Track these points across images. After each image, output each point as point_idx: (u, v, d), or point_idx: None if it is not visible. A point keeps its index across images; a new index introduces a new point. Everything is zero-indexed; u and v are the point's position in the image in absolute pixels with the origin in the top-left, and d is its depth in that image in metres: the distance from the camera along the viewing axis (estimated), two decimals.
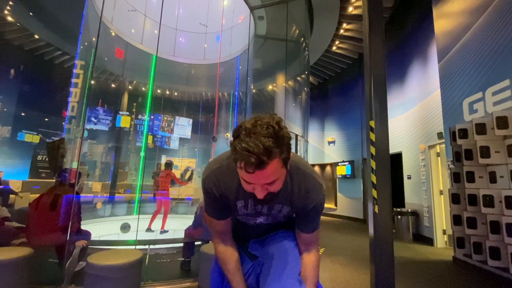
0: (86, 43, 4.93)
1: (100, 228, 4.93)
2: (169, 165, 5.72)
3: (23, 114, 8.44)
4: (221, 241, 0.99)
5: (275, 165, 0.69)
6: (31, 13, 7.14)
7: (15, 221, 2.87)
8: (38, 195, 2.69)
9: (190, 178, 6.94)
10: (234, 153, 0.70)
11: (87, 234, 2.81)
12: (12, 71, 7.92)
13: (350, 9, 6.24)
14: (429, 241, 5.00)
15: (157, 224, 5.12)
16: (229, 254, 0.98)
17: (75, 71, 4.18)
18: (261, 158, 0.65)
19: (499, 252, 3.12)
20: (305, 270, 0.97)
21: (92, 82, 5.42)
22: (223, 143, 9.01)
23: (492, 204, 3.20)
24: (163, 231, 5.08)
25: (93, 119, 7.39)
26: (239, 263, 0.99)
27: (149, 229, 5.06)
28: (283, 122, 0.73)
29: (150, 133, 8.51)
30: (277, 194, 0.83)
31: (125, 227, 3.71)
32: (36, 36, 7.79)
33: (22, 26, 7.36)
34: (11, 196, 5.56)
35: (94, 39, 4.61)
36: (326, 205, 9.31)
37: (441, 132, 4.70)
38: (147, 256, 3.20)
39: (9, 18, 7.15)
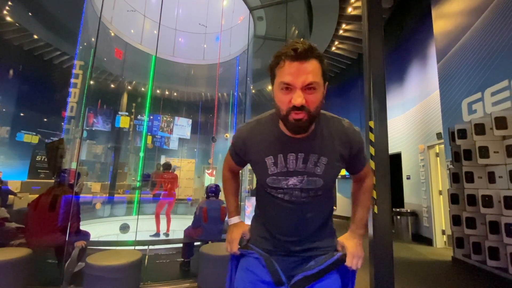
0: (85, 43, 4.92)
1: (99, 228, 4.92)
2: (170, 166, 5.65)
3: (22, 114, 8.42)
4: (229, 172, 1.09)
5: (317, 65, 0.71)
6: (30, 13, 7.13)
7: (14, 222, 2.86)
8: (37, 195, 2.68)
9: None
10: (277, 54, 0.74)
11: (86, 235, 2.80)
12: (11, 71, 7.91)
13: (349, 10, 6.25)
14: (428, 241, 5.00)
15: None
16: (230, 182, 1.10)
17: (74, 71, 4.18)
18: (306, 48, 0.69)
19: (498, 252, 3.13)
20: (358, 194, 1.00)
21: (92, 82, 5.42)
22: (222, 143, 9.01)
23: (491, 204, 3.21)
24: (167, 234, 5.03)
25: (94, 120, 7.39)
26: (237, 191, 1.11)
27: (157, 234, 4.92)
28: None
29: (149, 134, 8.51)
30: (311, 142, 0.82)
31: (124, 228, 3.71)
32: (35, 36, 7.78)
33: (21, 26, 7.35)
34: (10, 196, 5.54)
35: (93, 39, 4.61)
36: None
37: (440, 133, 4.71)
38: (147, 256, 3.20)
39: (9, 18, 7.14)
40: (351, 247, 0.90)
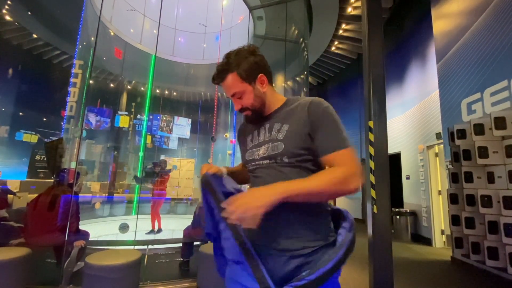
0: (84, 43, 4.91)
1: (98, 228, 4.91)
2: (159, 165, 5.72)
3: (21, 113, 8.41)
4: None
5: (232, 78, 0.88)
6: (29, 13, 7.11)
7: (13, 221, 2.85)
8: (36, 195, 2.68)
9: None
10: None
11: (85, 234, 2.80)
12: (10, 71, 7.89)
13: (349, 10, 6.25)
14: (428, 241, 5.01)
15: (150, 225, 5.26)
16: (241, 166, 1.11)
17: (73, 70, 4.17)
18: (218, 71, 0.91)
19: (497, 252, 3.13)
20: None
21: (91, 81, 5.42)
22: (222, 143, 9.00)
23: (490, 204, 3.22)
24: (160, 230, 5.19)
25: (91, 119, 7.37)
26: (242, 170, 1.07)
27: (153, 231, 5.13)
28: (257, 50, 0.94)
29: (149, 133, 8.50)
30: (277, 115, 0.93)
31: (123, 227, 3.70)
32: (35, 36, 7.77)
33: (20, 26, 7.34)
34: (9, 196, 5.53)
35: (92, 38, 4.60)
36: None
37: (440, 133, 4.71)
38: (146, 256, 3.20)
39: (8, 18, 7.12)
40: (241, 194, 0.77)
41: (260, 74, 0.91)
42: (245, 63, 0.88)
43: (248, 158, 0.96)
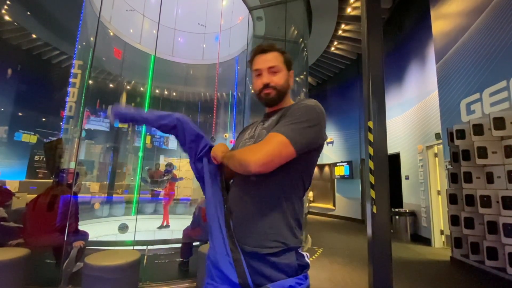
0: (84, 43, 4.90)
1: (97, 228, 4.90)
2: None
3: (20, 114, 8.38)
4: None
5: (277, 55, 0.97)
6: (28, 13, 7.10)
7: (12, 222, 2.84)
8: (35, 195, 2.67)
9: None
10: (250, 53, 1.01)
11: (84, 235, 2.80)
12: (9, 71, 7.87)
13: (349, 10, 6.26)
14: (427, 241, 5.02)
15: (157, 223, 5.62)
16: None
17: (73, 70, 4.16)
18: (268, 45, 0.98)
19: (496, 252, 3.14)
20: None
21: (90, 82, 5.41)
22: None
23: (489, 204, 3.22)
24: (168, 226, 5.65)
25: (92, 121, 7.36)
26: None
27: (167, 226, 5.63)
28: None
29: (148, 133, 8.49)
30: (276, 114, 0.94)
31: (123, 228, 3.70)
32: (34, 36, 7.75)
33: (19, 26, 7.32)
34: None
35: (92, 38, 4.59)
36: (324, 205, 9.32)
37: (439, 133, 4.72)
38: (145, 256, 3.20)
39: (7, 18, 7.11)
40: None
41: (292, 71, 1.02)
42: (288, 55, 1.01)
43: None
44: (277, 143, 0.77)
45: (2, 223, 2.71)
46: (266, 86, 0.94)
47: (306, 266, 0.84)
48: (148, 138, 8.41)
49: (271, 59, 0.95)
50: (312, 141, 0.83)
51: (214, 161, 0.96)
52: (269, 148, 0.76)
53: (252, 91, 1.02)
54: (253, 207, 0.85)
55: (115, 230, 3.83)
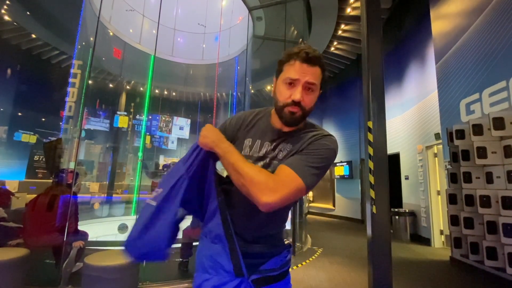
0: (83, 43, 4.90)
1: (97, 228, 4.90)
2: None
3: (20, 114, 8.38)
4: None
5: (319, 72, 0.82)
6: (28, 13, 7.10)
7: (11, 222, 2.84)
8: (35, 195, 2.67)
9: None
10: (289, 52, 0.83)
11: (84, 235, 2.80)
12: (9, 71, 7.87)
13: (348, 10, 6.26)
14: (427, 241, 5.02)
15: None
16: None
17: (72, 70, 4.16)
18: (316, 55, 0.80)
19: (495, 252, 3.14)
20: None
21: (90, 82, 5.40)
22: None
23: (489, 204, 3.22)
24: None
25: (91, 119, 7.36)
26: None
27: None
28: None
29: (148, 133, 8.48)
30: (289, 139, 0.87)
31: (122, 228, 3.70)
32: (33, 36, 7.75)
33: (19, 26, 7.32)
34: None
35: (92, 38, 4.59)
36: (324, 206, 9.33)
37: (439, 133, 4.72)
38: None
39: (6, 18, 7.10)
40: None
41: (321, 91, 0.86)
42: (326, 73, 0.86)
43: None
44: (295, 189, 0.73)
45: (1, 223, 2.71)
46: (296, 103, 0.80)
47: (289, 245, 0.97)
48: (148, 138, 8.40)
49: (313, 74, 0.80)
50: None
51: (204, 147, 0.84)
52: (286, 192, 0.72)
53: (273, 97, 0.88)
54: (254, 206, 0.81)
55: (114, 230, 3.83)
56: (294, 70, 0.80)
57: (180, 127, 9.25)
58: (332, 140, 0.85)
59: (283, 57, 0.84)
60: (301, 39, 6.35)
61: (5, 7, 6.87)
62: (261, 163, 0.87)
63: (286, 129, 0.88)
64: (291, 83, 0.81)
